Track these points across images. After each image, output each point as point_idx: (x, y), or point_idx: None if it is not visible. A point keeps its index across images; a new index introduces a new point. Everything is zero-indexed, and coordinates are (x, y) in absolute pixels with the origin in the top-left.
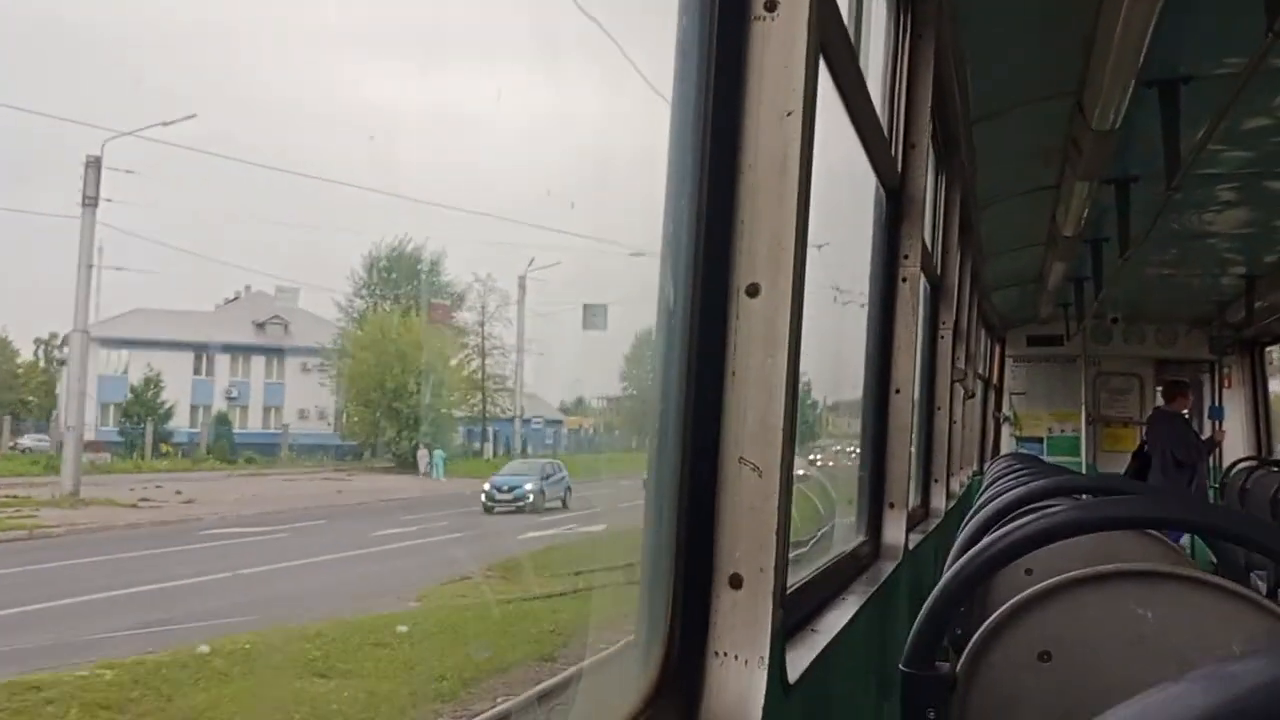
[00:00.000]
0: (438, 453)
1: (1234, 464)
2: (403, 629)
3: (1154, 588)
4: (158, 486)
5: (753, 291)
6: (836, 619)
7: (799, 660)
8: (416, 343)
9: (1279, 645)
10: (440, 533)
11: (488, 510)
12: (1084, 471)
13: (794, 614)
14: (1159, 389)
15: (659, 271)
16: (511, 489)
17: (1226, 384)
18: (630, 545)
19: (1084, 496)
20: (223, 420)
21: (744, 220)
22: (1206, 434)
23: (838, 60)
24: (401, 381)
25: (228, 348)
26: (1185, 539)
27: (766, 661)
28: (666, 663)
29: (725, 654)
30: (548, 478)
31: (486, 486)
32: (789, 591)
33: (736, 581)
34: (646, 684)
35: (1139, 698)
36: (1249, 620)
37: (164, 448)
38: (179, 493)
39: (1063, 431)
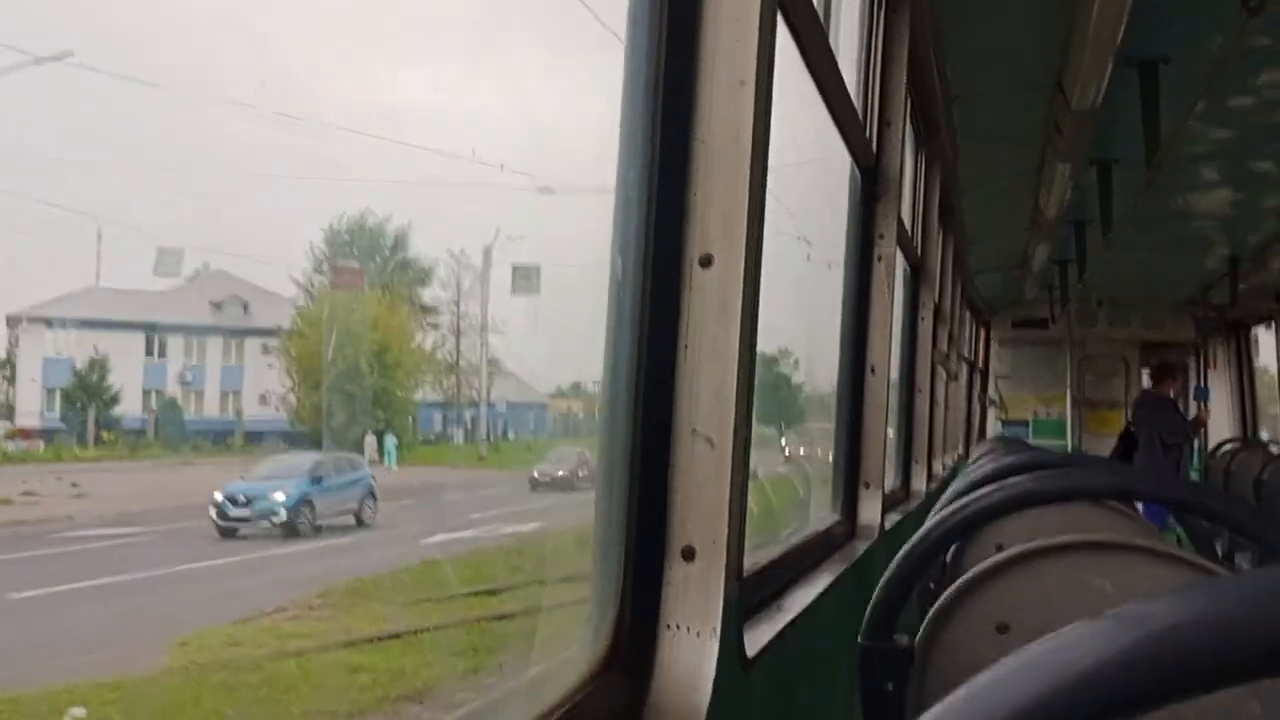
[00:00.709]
0: (389, 439)
1: (1218, 445)
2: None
3: (1113, 559)
4: (58, 479)
5: (706, 262)
6: (803, 596)
7: (760, 636)
8: (372, 320)
9: (1192, 587)
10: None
11: (222, 532)
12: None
13: (758, 591)
14: (1144, 371)
15: (609, 243)
16: (253, 500)
17: (1211, 365)
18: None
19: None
20: (172, 406)
21: (697, 191)
22: (1192, 415)
23: (805, 34)
24: (352, 361)
25: (181, 329)
26: (1171, 521)
27: (719, 633)
28: (617, 635)
29: (677, 626)
30: (319, 480)
31: (218, 496)
32: (754, 570)
33: (689, 554)
34: (596, 656)
35: (1053, 635)
36: None
37: (106, 435)
38: (75, 485)
39: (1049, 414)
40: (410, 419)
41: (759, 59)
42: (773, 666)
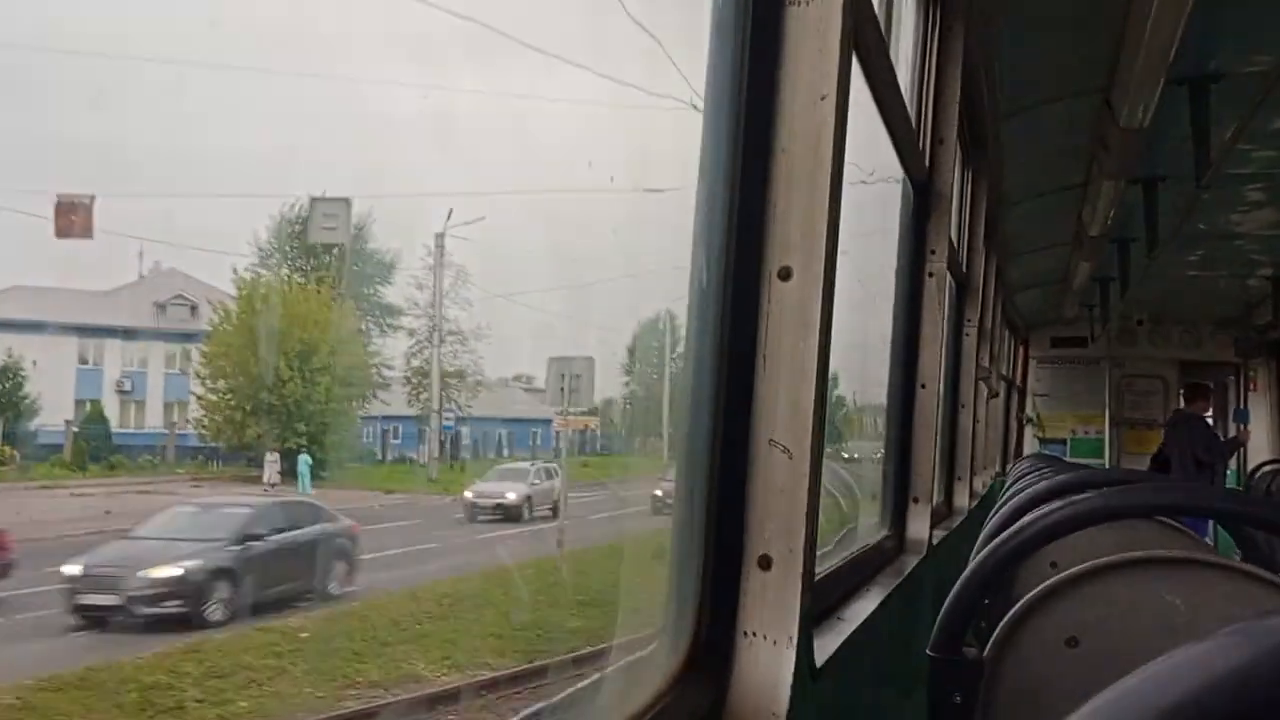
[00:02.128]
0: (303, 458)
1: (1259, 466)
2: None
3: (1183, 575)
4: None
5: (785, 275)
6: (862, 608)
7: (826, 645)
8: (304, 319)
9: None
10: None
11: None
12: None
13: (821, 601)
14: (1181, 390)
15: (691, 254)
16: None
17: (1252, 386)
18: None
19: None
20: (97, 418)
21: (777, 203)
22: (1231, 435)
23: (868, 50)
24: (273, 367)
25: (120, 332)
26: (1210, 536)
27: (795, 642)
28: (695, 642)
29: (754, 634)
30: None
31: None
32: (817, 580)
33: (766, 562)
34: (676, 663)
35: (1167, 656)
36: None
37: (6, 451)
38: None
39: (1086, 434)
40: (346, 434)
41: (839, 73)
42: (838, 676)
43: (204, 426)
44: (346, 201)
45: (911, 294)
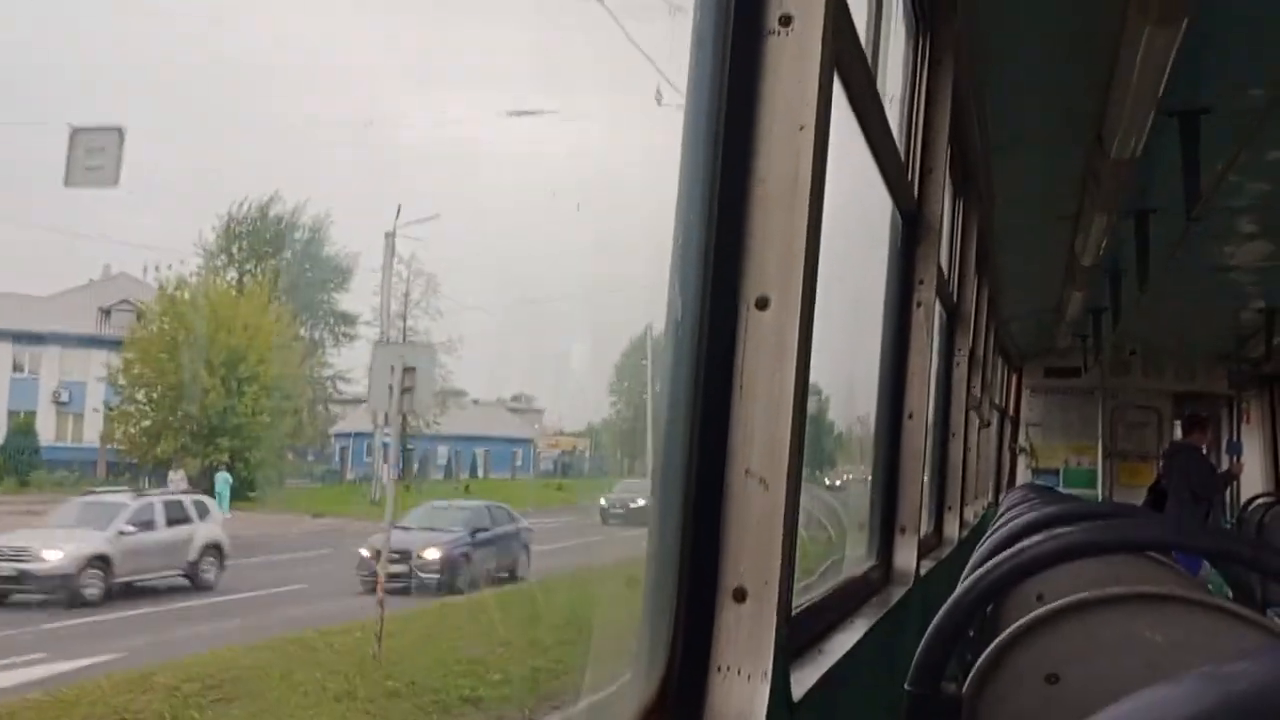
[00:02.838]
0: (221, 476)
1: (1251, 499)
2: None
3: (1166, 612)
4: None
5: (762, 304)
6: (844, 640)
7: (805, 679)
8: (230, 322)
9: (1276, 647)
10: None
11: None
12: None
13: (801, 634)
14: (1177, 423)
15: (667, 282)
16: None
17: (1245, 419)
18: None
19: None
20: (24, 430)
21: (754, 233)
22: (1225, 468)
23: (853, 80)
24: (192, 375)
25: (59, 339)
26: (1204, 572)
27: (770, 676)
28: (668, 675)
29: (728, 668)
30: None
31: None
32: (796, 612)
33: (741, 595)
34: (647, 697)
35: (1133, 697)
36: (1261, 645)
37: None
38: None
39: (1079, 464)
40: (276, 449)
41: (818, 103)
42: (817, 710)
43: (116, 441)
44: (118, 131)
45: (899, 324)
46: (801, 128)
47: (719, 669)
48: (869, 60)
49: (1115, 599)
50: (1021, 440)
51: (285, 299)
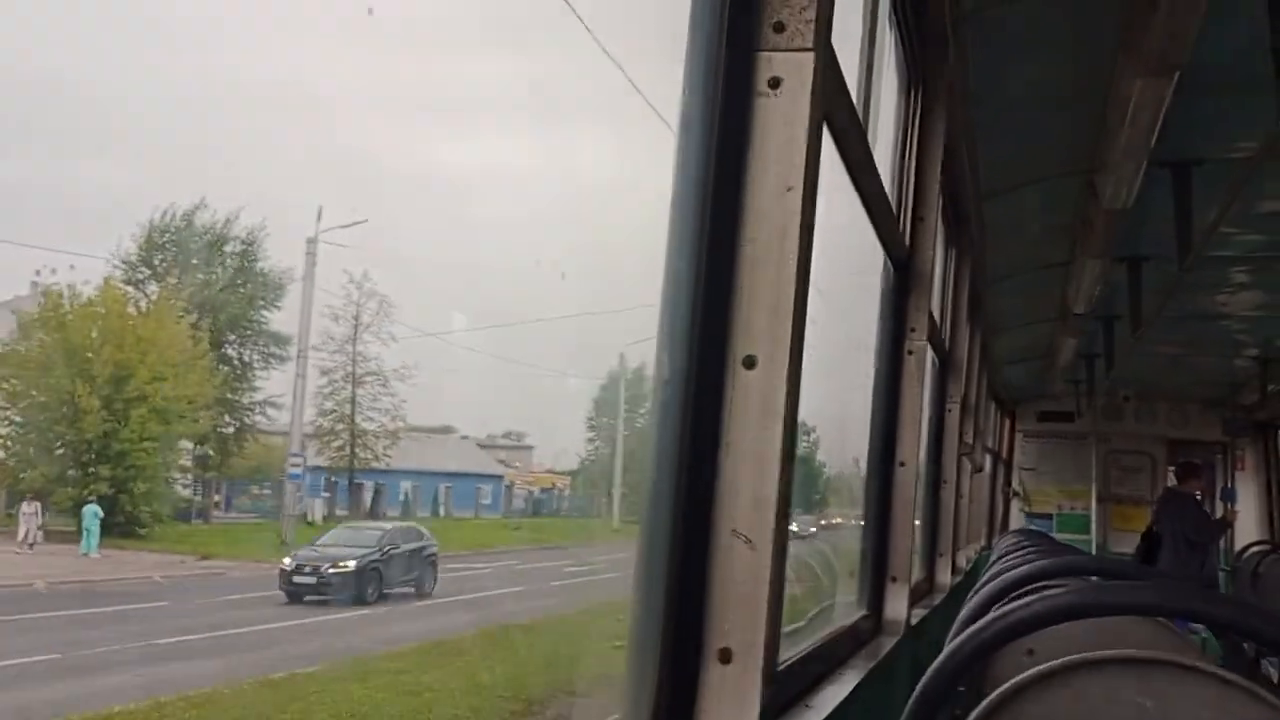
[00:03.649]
0: (89, 510)
1: (1246, 547)
2: None
3: (1156, 676)
4: None
5: (750, 363)
6: (833, 695)
7: None
8: (118, 335)
9: None
10: None
11: None
12: (1094, 550)
13: (788, 689)
14: (1170, 469)
15: (655, 341)
16: None
17: (1239, 466)
18: None
19: (1091, 578)
20: None
21: (743, 292)
22: (1219, 516)
23: (844, 135)
24: (69, 394)
25: None
26: (1201, 628)
27: None
28: None
29: None
30: None
31: None
32: (783, 666)
33: (726, 656)
34: None
35: None
36: (1250, 712)
37: None
38: None
39: (1073, 509)
40: (168, 478)
41: (806, 165)
42: None
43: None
44: None
45: (891, 371)
46: (790, 189)
47: None
48: (860, 113)
49: (1106, 662)
50: (1015, 484)
51: (202, 314)
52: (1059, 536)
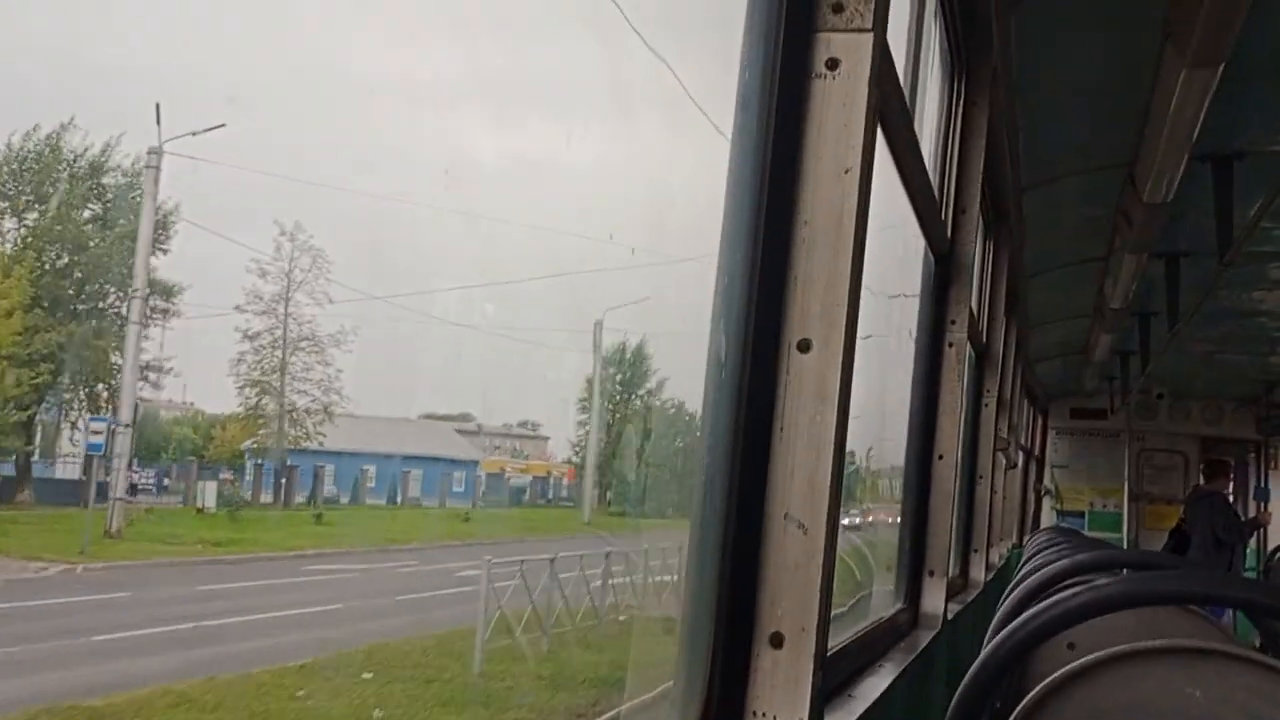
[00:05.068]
0: None
1: (1279, 547)
2: None
3: (1203, 665)
4: None
5: (804, 347)
6: (874, 686)
7: None
8: None
9: None
10: None
11: None
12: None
13: (832, 678)
14: (1201, 467)
15: (710, 324)
16: None
17: (1273, 465)
18: None
19: (1125, 571)
20: None
21: (798, 275)
22: (1250, 515)
23: (893, 122)
24: None
25: None
26: (1228, 618)
27: None
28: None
29: (764, 714)
30: None
31: None
32: (828, 655)
33: (778, 640)
34: None
35: None
36: None
37: None
38: None
39: (1105, 507)
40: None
41: (864, 147)
42: None
43: None
44: None
45: (931, 364)
46: (846, 171)
47: (754, 714)
48: (907, 101)
49: (1151, 652)
50: (1046, 482)
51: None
52: (1090, 534)
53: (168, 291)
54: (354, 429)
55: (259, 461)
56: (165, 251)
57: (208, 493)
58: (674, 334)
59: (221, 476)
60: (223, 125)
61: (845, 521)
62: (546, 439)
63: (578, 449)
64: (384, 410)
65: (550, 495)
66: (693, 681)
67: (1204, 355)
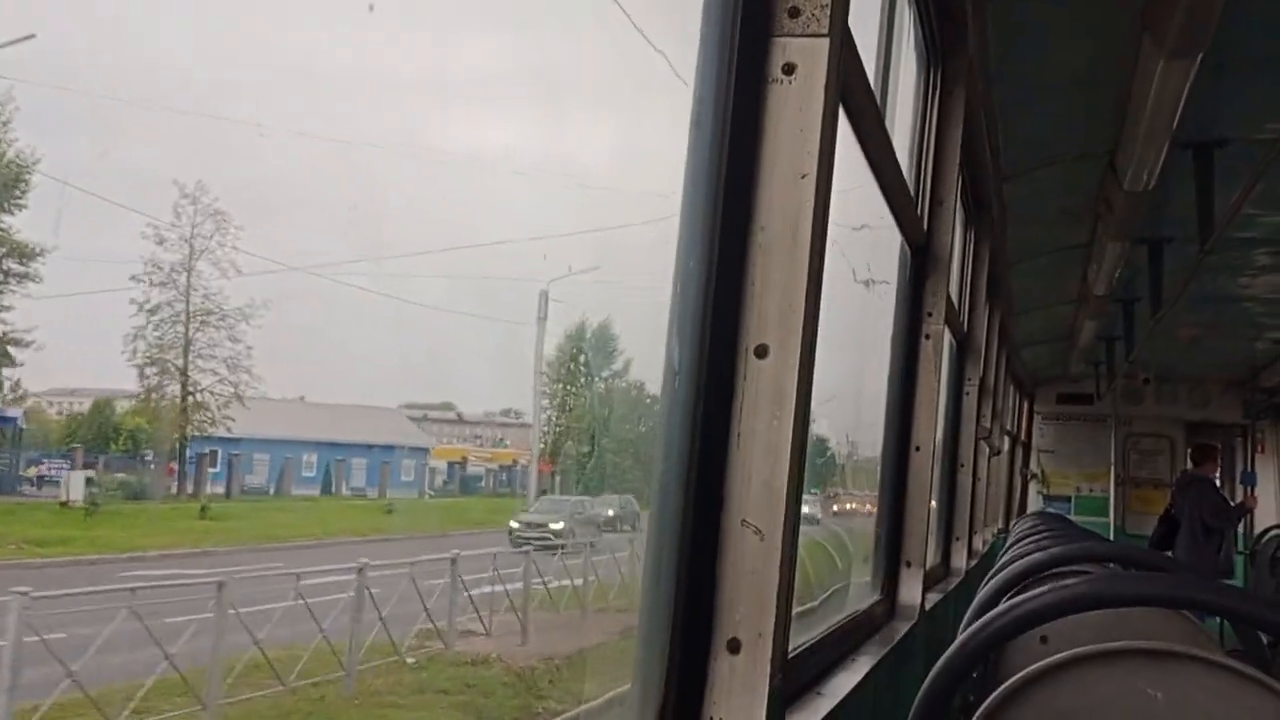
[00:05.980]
0: None
1: (1265, 531)
2: None
3: (1166, 667)
4: None
5: (761, 352)
6: (845, 681)
7: None
8: None
9: None
10: None
11: None
12: (1111, 534)
13: (799, 677)
14: (1189, 451)
15: (666, 330)
16: None
17: (1259, 449)
18: None
19: (1109, 565)
20: None
21: (754, 281)
22: (1238, 499)
23: (860, 119)
24: None
25: None
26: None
27: None
28: None
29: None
30: None
31: None
32: (795, 653)
33: (735, 646)
34: None
35: None
36: (1262, 704)
37: None
38: None
39: (1091, 491)
40: None
41: (820, 152)
42: None
43: None
44: None
45: (907, 356)
46: (803, 176)
47: None
48: (877, 96)
49: (1116, 653)
50: (1033, 466)
51: None
52: (1077, 519)
53: (28, 254)
54: (290, 414)
55: (164, 447)
56: (22, 208)
57: (73, 484)
58: (633, 308)
59: (89, 465)
60: (32, 36)
61: (836, 509)
62: (529, 426)
63: (544, 434)
64: (334, 398)
65: (511, 484)
66: (649, 688)
67: (1189, 340)
